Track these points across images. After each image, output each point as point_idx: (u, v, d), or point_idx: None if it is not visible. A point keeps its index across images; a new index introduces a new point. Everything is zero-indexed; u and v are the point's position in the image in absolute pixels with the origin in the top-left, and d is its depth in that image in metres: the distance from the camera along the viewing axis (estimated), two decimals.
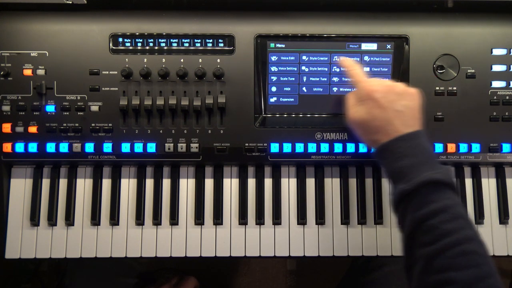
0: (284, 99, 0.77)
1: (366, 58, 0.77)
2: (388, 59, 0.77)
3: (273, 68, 0.77)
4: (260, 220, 0.76)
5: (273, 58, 0.77)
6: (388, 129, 0.63)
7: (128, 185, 0.78)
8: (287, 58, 0.77)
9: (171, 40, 0.75)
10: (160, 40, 0.75)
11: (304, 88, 0.77)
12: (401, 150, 0.61)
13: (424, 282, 0.54)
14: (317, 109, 0.77)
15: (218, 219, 0.76)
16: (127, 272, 0.90)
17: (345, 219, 0.77)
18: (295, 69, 0.77)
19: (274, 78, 0.77)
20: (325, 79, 0.77)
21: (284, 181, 0.78)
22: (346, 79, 0.77)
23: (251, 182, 0.78)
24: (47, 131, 0.74)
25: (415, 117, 0.65)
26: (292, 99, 0.77)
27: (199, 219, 0.76)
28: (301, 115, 0.78)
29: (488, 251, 0.55)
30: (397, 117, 0.63)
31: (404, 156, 0.61)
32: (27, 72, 0.74)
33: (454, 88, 0.76)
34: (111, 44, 0.75)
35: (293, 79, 0.77)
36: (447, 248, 0.53)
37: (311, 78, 0.77)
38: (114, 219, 0.76)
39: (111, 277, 0.87)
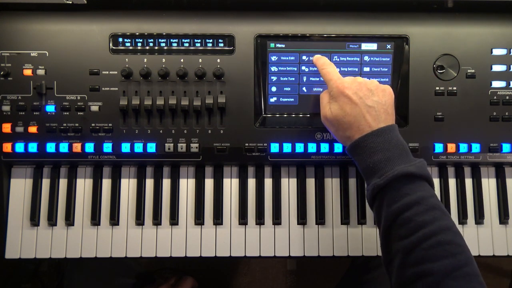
0: (284, 99, 0.77)
1: (366, 58, 0.77)
2: (388, 59, 0.77)
3: (273, 68, 0.77)
4: (260, 220, 0.76)
5: (273, 58, 0.77)
6: (360, 124, 0.63)
7: (128, 185, 0.78)
8: (287, 58, 0.77)
9: (171, 40, 0.75)
10: (160, 40, 0.75)
11: (304, 88, 0.77)
12: (374, 145, 0.62)
13: (403, 276, 0.54)
14: (317, 109, 0.77)
15: (218, 219, 0.76)
16: (126, 272, 0.90)
17: (345, 219, 0.77)
18: (295, 69, 0.77)
19: (274, 78, 0.77)
20: None
21: (284, 181, 0.78)
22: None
23: (251, 182, 0.78)
24: (47, 131, 0.74)
25: (387, 112, 0.65)
26: (292, 99, 0.77)
27: (199, 219, 0.76)
28: (301, 115, 0.78)
29: (464, 240, 0.55)
30: (369, 112, 0.64)
31: (377, 151, 0.61)
32: (27, 72, 0.74)
33: (454, 88, 0.76)
34: (111, 44, 0.75)
35: (293, 79, 0.77)
36: (423, 240, 0.54)
37: (311, 78, 0.77)
38: (114, 219, 0.76)
39: (110, 277, 0.87)
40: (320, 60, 0.72)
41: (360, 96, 0.64)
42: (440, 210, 0.57)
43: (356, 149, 0.64)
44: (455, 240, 0.54)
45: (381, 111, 0.64)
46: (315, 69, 0.76)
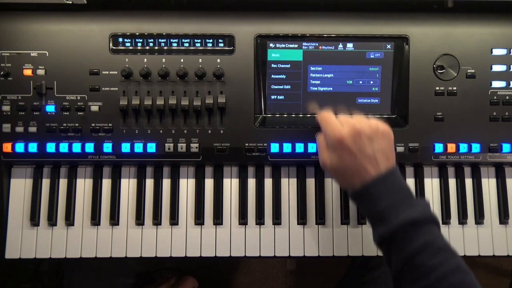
0: (284, 99, 0.77)
1: (366, 57, 0.77)
2: (388, 59, 0.77)
3: (273, 68, 0.77)
4: (260, 220, 0.76)
5: (273, 58, 0.76)
6: (360, 174, 0.63)
7: (128, 185, 0.78)
8: (287, 58, 0.76)
9: (171, 40, 0.75)
10: (160, 40, 0.75)
11: (304, 88, 0.77)
12: (376, 193, 0.61)
13: None
14: (317, 109, 0.77)
15: (218, 219, 0.76)
16: (126, 272, 0.90)
17: (345, 219, 0.77)
18: (295, 69, 0.77)
19: (274, 78, 0.77)
20: (325, 79, 0.77)
21: (284, 181, 0.78)
22: (346, 80, 0.77)
23: (251, 182, 0.78)
24: (47, 131, 0.74)
25: (388, 157, 0.64)
26: (292, 99, 0.77)
27: (199, 219, 0.76)
28: (301, 115, 0.78)
29: (473, 275, 0.56)
30: (369, 161, 0.63)
31: (379, 198, 0.61)
32: (27, 72, 0.74)
33: (454, 88, 0.76)
34: (111, 44, 0.75)
35: (293, 79, 0.77)
36: (435, 283, 0.54)
37: (311, 79, 0.77)
38: (114, 219, 0.76)
39: (110, 277, 0.87)
40: (320, 112, 0.70)
41: (359, 146, 0.63)
42: (448, 250, 0.57)
43: (359, 198, 0.64)
44: (466, 279, 0.55)
45: (381, 158, 0.63)
46: (315, 69, 0.77)
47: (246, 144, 0.75)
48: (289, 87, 0.77)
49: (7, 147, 0.74)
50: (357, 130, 0.64)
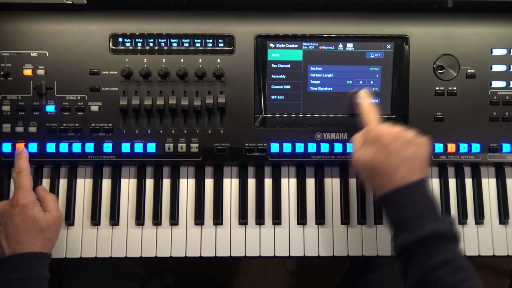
0: (284, 99, 0.77)
1: (366, 57, 0.77)
2: (388, 59, 0.77)
3: (273, 68, 0.77)
4: (260, 220, 0.76)
5: (273, 58, 0.76)
6: (392, 176, 0.62)
7: (128, 185, 0.78)
8: (287, 58, 0.76)
9: (171, 40, 0.75)
10: (160, 40, 0.75)
11: (304, 88, 0.77)
12: (405, 200, 0.61)
13: None
14: (317, 109, 0.77)
15: (218, 219, 0.76)
16: (126, 274, 0.90)
17: (345, 219, 0.77)
18: (295, 69, 0.77)
19: (274, 78, 0.77)
20: (325, 79, 0.77)
21: (284, 181, 0.78)
22: (346, 80, 0.77)
23: (251, 182, 0.78)
24: (47, 131, 0.74)
25: (422, 166, 0.64)
26: (292, 99, 0.77)
27: (199, 219, 0.76)
28: (301, 115, 0.78)
29: None
30: (403, 164, 0.62)
31: (408, 206, 0.60)
32: (27, 72, 0.74)
33: (454, 88, 0.76)
34: (111, 44, 0.75)
35: (293, 79, 0.77)
36: None
37: (311, 79, 0.77)
38: (114, 219, 0.76)
39: (110, 279, 0.87)
40: (365, 100, 0.71)
41: (396, 146, 0.63)
42: (468, 270, 0.57)
43: (387, 201, 0.63)
44: None
45: (416, 164, 0.63)
46: (315, 69, 0.77)
47: (246, 144, 0.75)
48: (289, 87, 0.77)
49: (7, 147, 0.74)
50: (398, 132, 0.64)
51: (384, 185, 0.63)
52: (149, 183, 0.77)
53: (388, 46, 0.77)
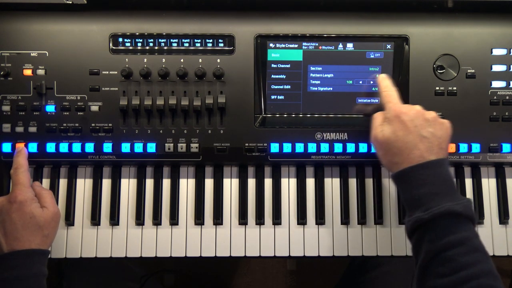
0: (284, 99, 0.77)
1: (366, 57, 0.77)
2: (388, 59, 0.77)
3: (273, 68, 0.77)
4: (260, 220, 0.76)
5: (273, 58, 0.76)
6: (410, 153, 0.62)
7: (128, 185, 0.78)
8: (287, 58, 0.76)
9: (171, 40, 0.75)
10: (160, 40, 0.75)
11: (304, 88, 0.77)
12: (422, 178, 0.60)
13: None
14: (317, 109, 0.77)
15: (218, 219, 0.76)
16: (126, 274, 0.90)
17: (345, 219, 0.77)
18: (295, 69, 0.77)
19: (274, 78, 0.77)
20: (325, 79, 0.77)
21: (284, 181, 0.78)
22: (346, 80, 0.77)
23: (251, 182, 0.78)
24: (47, 131, 0.74)
25: (441, 147, 0.63)
26: (292, 99, 0.77)
27: (199, 219, 0.76)
28: (301, 115, 0.78)
29: (502, 283, 0.55)
30: (422, 142, 0.62)
31: (425, 184, 0.60)
32: (27, 72, 0.74)
33: (454, 88, 0.76)
34: (111, 44, 0.75)
35: (293, 79, 0.77)
36: (464, 281, 0.53)
37: (311, 79, 0.77)
38: (114, 219, 0.76)
39: (110, 279, 0.87)
40: (384, 82, 0.71)
41: (416, 124, 0.63)
42: (483, 252, 0.57)
43: (403, 178, 0.62)
44: (495, 285, 0.54)
45: (434, 144, 0.63)
46: (315, 69, 0.77)
47: (246, 144, 0.75)
48: (289, 87, 0.77)
49: (7, 147, 0.74)
50: (418, 110, 0.65)
51: (401, 163, 0.62)
52: (149, 183, 0.77)
53: (388, 46, 0.77)
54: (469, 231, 0.57)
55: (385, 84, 0.71)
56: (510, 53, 0.77)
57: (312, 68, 0.77)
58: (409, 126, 0.63)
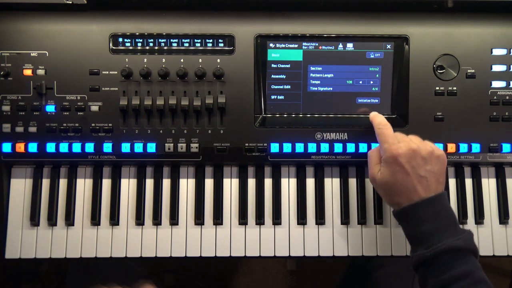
0: (284, 99, 0.77)
1: (366, 57, 0.77)
2: (388, 59, 0.77)
3: (273, 68, 0.77)
4: (260, 220, 0.76)
5: (273, 58, 0.76)
6: (410, 193, 0.63)
7: (128, 185, 0.78)
8: (287, 58, 0.76)
9: (171, 40, 0.75)
10: (160, 40, 0.75)
11: (304, 88, 0.77)
12: (422, 215, 0.61)
13: None
14: (317, 109, 0.77)
15: (218, 219, 0.76)
16: (127, 274, 0.90)
17: (345, 219, 0.77)
18: (295, 69, 0.77)
19: (274, 78, 0.77)
20: (325, 79, 0.77)
21: (284, 181, 0.78)
22: (346, 80, 0.77)
23: (251, 182, 0.78)
24: (47, 131, 0.74)
25: (439, 181, 0.64)
26: (292, 99, 0.77)
27: (199, 219, 0.76)
28: (301, 115, 0.78)
29: None
30: (420, 182, 0.63)
31: (425, 221, 0.61)
32: (27, 72, 0.74)
33: (454, 88, 0.76)
34: (111, 44, 0.75)
35: (293, 79, 0.77)
36: None
37: (311, 79, 0.77)
38: (114, 219, 0.76)
39: (109, 279, 0.87)
40: (377, 119, 0.71)
41: (413, 165, 0.63)
42: (486, 283, 0.57)
43: (404, 217, 0.64)
44: None
45: (432, 181, 0.64)
46: (315, 69, 0.77)
47: (246, 144, 0.75)
48: (289, 87, 0.77)
49: (7, 147, 0.74)
50: (414, 150, 0.64)
51: (401, 202, 0.64)
52: (149, 183, 0.77)
53: (388, 46, 0.77)
54: (472, 264, 0.58)
55: (378, 121, 0.71)
56: (510, 53, 0.77)
57: (312, 68, 0.77)
58: (407, 168, 0.63)
